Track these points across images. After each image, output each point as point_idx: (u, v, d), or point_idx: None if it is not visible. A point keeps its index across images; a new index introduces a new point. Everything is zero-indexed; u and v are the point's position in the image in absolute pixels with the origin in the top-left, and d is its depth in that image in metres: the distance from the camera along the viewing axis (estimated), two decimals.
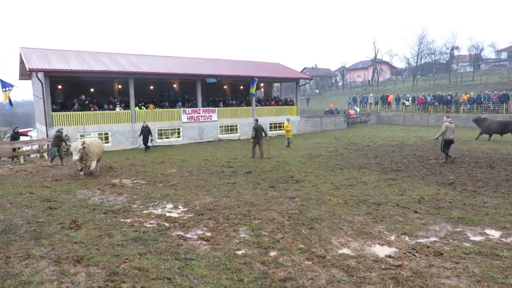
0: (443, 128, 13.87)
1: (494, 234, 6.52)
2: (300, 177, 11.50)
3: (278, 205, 8.30)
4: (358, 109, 37.30)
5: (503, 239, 6.25)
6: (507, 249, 5.83)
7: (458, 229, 6.75)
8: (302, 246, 5.99)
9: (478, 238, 6.33)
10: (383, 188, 9.94)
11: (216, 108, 25.34)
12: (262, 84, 32.38)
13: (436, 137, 14.38)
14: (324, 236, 6.41)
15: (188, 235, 6.51)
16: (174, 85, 27.64)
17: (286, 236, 6.38)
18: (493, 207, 8.03)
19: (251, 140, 16.58)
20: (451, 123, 13.91)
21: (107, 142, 21.20)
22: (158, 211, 8.05)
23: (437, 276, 5.00)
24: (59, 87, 23.12)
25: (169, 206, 8.50)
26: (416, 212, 7.79)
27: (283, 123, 28.11)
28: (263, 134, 16.27)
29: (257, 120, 16.85)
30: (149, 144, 20.11)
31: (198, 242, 6.18)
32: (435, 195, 9.20)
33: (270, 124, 28.08)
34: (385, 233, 6.59)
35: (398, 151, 17.10)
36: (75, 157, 10.41)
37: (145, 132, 19.53)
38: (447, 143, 13.95)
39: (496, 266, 5.27)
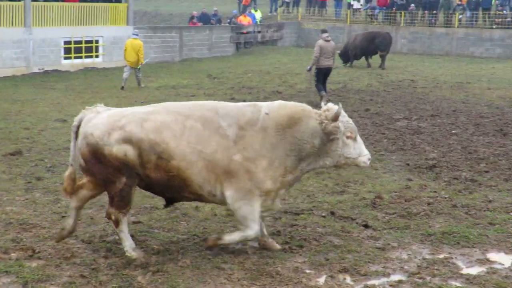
0: (315, 51, 16.64)
1: (503, 260, 7.27)
2: None
3: None
4: (258, 15, 38.15)
5: None
6: None
7: (441, 256, 7.35)
8: None
9: (475, 270, 6.99)
10: (307, 181, 10.41)
11: None
12: None
13: (308, 67, 17.32)
14: None
15: None
16: None
17: None
18: (504, 209, 8.98)
19: None
20: (327, 40, 16.76)
21: None
22: None
23: None
24: None
25: None
26: (366, 225, 8.32)
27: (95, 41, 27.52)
28: None
29: None
30: None
31: None
32: (403, 190, 9.97)
33: (67, 43, 27.52)
34: (306, 271, 6.90)
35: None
36: None
37: None
38: (320, 73, 17.03)
39: None
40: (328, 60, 17.05)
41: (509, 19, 32.59)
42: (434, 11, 34.75)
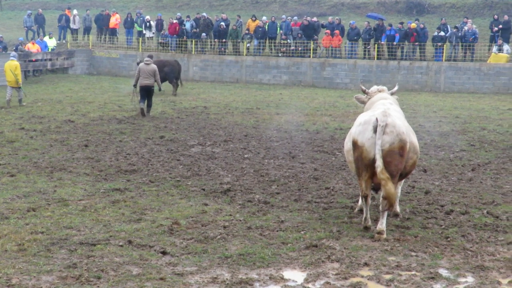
0: (136, 74, 21.33)
1: (297, 277, 7.66)
2: None
3: None
4: (53, 43, 37.04)
5: (311, 285, 7.45)
6: None
7: (239, 277, 7.59)
8: None
9: None
10: (103, 210, 10.33)
11: None
12: None
13: (133, 84, 21.65)
14: None
15: None
16: None
17: None
18: (295, 229, 9.47)
19: None
20: (147, 64, 21.13)
21: None
22: None
23: None
24: None
25: None
26: (164, 252, 8.35)
27: None
28: None
29: None
30: None
31: None
32: (200, 215, 10.16)
33: None
34: None
35: (129, 132, 18.18)
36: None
37: None
38: (141, 90, 21.07)
39: None
40: (146, 79, 20.94)
41: (293, 47, 34.24)
42: (224, 40, 35.68)
